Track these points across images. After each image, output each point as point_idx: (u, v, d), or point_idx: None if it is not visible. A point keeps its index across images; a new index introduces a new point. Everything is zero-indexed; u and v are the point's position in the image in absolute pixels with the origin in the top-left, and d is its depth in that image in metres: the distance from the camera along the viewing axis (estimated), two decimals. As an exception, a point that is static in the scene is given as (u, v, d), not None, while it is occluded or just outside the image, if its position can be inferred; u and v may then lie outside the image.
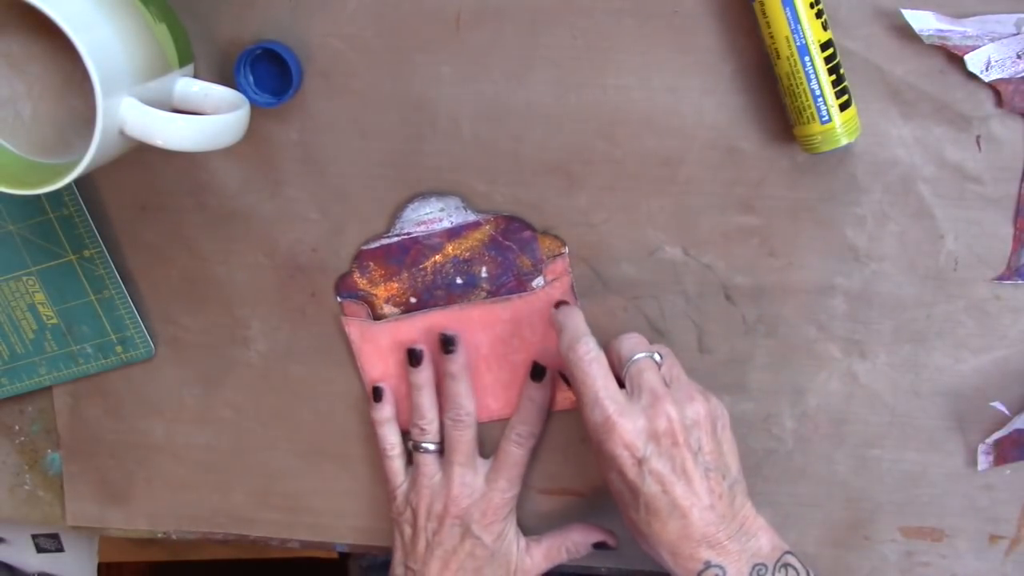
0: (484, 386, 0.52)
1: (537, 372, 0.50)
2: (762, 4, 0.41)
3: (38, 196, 0.50)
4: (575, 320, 0.46)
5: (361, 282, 0.50)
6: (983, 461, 0.50)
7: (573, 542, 0.51)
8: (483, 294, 0.50)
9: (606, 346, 0.46)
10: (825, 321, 0.49)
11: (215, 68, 0.47)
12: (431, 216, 0.48)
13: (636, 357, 0.44)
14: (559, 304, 0.49)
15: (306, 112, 0.47)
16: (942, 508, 0.51)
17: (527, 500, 0.53)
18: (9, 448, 0.57)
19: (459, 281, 0.50)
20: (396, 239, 0.49)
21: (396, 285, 0.50)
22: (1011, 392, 0.49)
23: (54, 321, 0.53)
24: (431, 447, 0.50)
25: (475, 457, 0.50)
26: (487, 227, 0.49)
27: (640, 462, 0.42)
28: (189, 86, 0.43)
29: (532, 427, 0.50)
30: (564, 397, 0.51)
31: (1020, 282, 0.47)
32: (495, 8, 0.45)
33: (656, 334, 0.50)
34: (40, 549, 0.80)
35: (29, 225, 0.51)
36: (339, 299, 0.51)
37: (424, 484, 0.50)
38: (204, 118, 0.40)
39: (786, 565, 0.44)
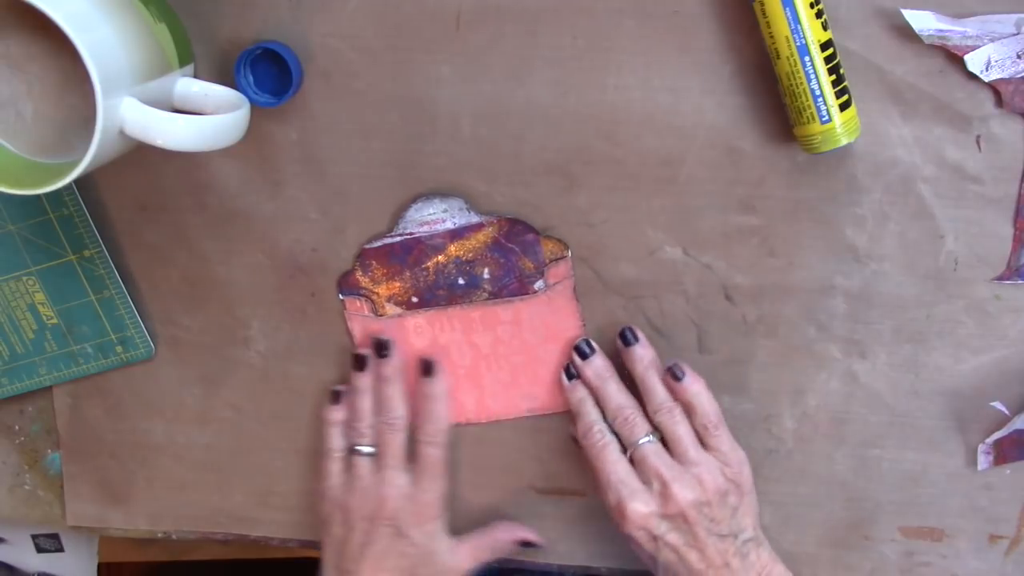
0: (483, 386, 0.52)
1: (426, 368, 0.51)
2: (762, 4, 0.41)
3: (38, 196, 0.50)
4: (587, 408, 0.49)
5: (363, 280, 0.50)
6: (983, 461, 0.50)
7: (497, 540, 0.52)
8: (485, 295, 0.50)
9: (599, 390, 0.49)
10: (825, 321, 0.49)
11: (215, 68, 0.47)
12: (434, 216, 0.48)
13: (640, 442, 0.47)
14: (570, 364, 0.50)
15: (306, 112, 0.47)
16: (942, 508, 0.51)
17: (526, 500, 0.53)
18: (9, 448, 0.57)
19: (461, 282, 0.50)
20: (399, 239, 0.49)
21: (398, 284, 0.50)
22: (1011, 392, 0.49)
23: (54, 321, 0.53)
24: (367, 449, 0.51)
25: (405, 460, 0.51)
26: (490, 229, 0.49)
27: (655, 538, 0.46)
28: (189, 86, 0.43)
29: (438, 423, 0.51)
30: (566, 399, 0.51)
31: (1020, 282, 0.47)
32: (495, 8, 0.45)
33: (656, 334, 0.50)
34: (40, 549, 0.80)
35: (29, 225, 0.51)
36: (341, 297, 0.51)
37: (357, 486, 0.50)
38: (204, 118, 0.40)
39: None
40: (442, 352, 0.51)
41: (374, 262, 0.50)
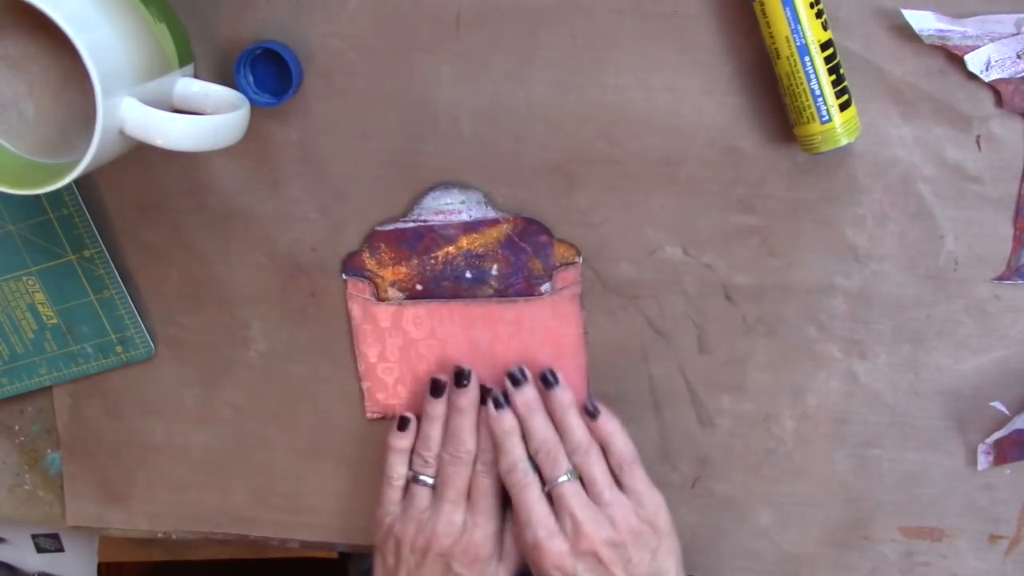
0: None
1: (496, 401, 0.49)
2: (762, 4, 0.41)
3: (38, 196, 0.50)
4: (514, 441, 0.48)
5: (369, 262, 0.50)
6: (983, 461, 0.50)
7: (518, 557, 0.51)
8: (490, 291, 0.50)
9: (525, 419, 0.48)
10: (825, 321, 0.49)
11: (215, 68, 0.47)
12: (451, 207, 0.48)
13: (559, 480, 0.47)
14: (493, 398, 0.49)
15: (306, 112, 0.47)
16: (942, 508, 0.51)
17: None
18: (9, 448, 0.57)
19: (468, 275, 0.50)
20: (411, 224, 0.49)
21: (404, 270, 0.50)
22: (1011, 392, 0.49)
23: (54, 321, 0.53)
24: (429, 480, 0.50)
25: (465, 497, 0.50)
26: (505, 226, 0.48)
27: None
28: (189, 86, 0.43)
29: (490, 452, 0.49)
30: (490, 428, 0.50)
31: (1020, 282, 0.47)
32: (495, 8, 0.45)
33: (656, 334, 0.50)
34: (40, 549, 0.80)
35: (29, 225, 0.51)
36: (344, 276, 0.50)
37: (413, 516, 0.50)
38: (204, 118, 0.40)
39: None
40: (439, 345, 0.51)
41: (383, 245, 0.50)
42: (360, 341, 0.52)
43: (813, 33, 0.41)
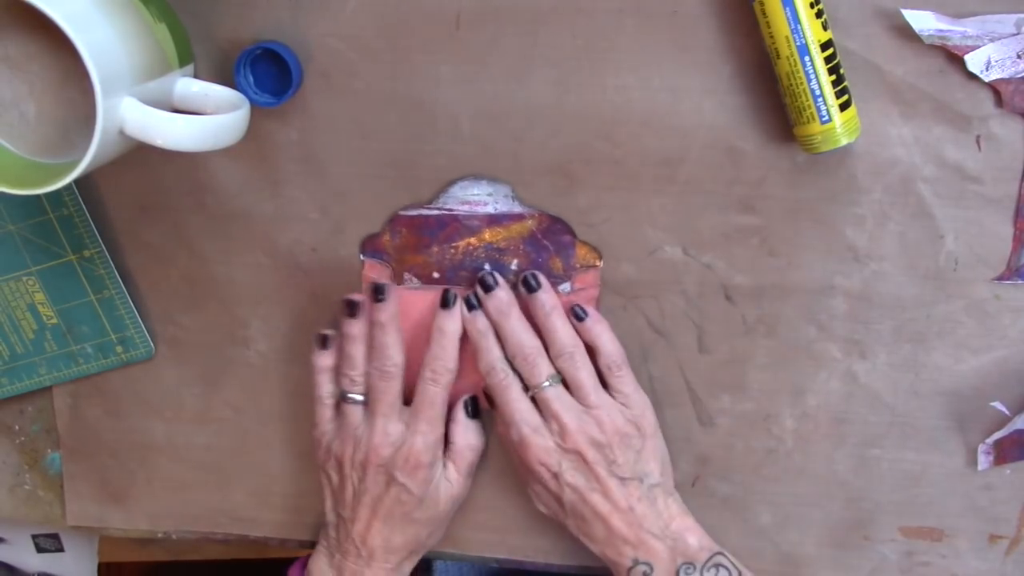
0: (479, 372, 0.51)
1: (447, 299, 0.49)
2: (762, 4, 0.41)
3: (38, 196, 0.50)
4: (488, 343, 0.48)
5: (389, 245, 0.50)
6: (983, 461, 0.50)
7: (466, 443, 0.51)
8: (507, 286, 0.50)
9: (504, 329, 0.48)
10: (825, 321, 0.49)
11: (215, 68, 0.47)
12: (477, 198, 0.48)
13: (543, 385, 0.47)
14: (445, 297, 0.49)
15: (306, 112, 0.47)
16: (942, 508, 0.51)
17: (525, 500, 0.53)
18: (9, 448, 0.57)
19: (487, 268, 0.50)
20: (436, 212, 0.49)
21: (423, 257, 0.50)
22: (1011, 392, 0.49)
23: (54, 321, 0.53)
24: (358, 398, 0.50)
25: (399, 408, 0.49)
26: (530, 222, 0.48)
27: (556, 476, 0.47)
28: (189, 86, 0.43)
29: (446, 362, 0.49)
30: (466, 330, 0.50)
31: (1020, 282, 0.47)
32: (495, 8, 0.45)
33: (656, 334, 0.50)
34: (40, 549, 0.80)
35: (29, 225, 0.51)
36: (362, 257, 0.50)
37: (348, 433, 0.50)
38: (204, 118, 0.40)
39: (717, 565, 0.47)
40: None
41: (404, 230, 0.49)
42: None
43: (813, 33, 0.41)
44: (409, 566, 0.52)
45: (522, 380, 0.48)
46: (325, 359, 0.51)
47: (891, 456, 0.51)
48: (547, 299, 0.48)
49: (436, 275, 0.50)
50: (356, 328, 0.49)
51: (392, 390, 0.49)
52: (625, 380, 0.48)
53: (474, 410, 0.51)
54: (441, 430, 0.50)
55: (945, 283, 0.47)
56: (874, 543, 0.52)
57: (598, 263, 0.49)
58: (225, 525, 0.57)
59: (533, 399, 0.48)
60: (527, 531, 0.54)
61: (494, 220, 0.48)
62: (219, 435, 0.55)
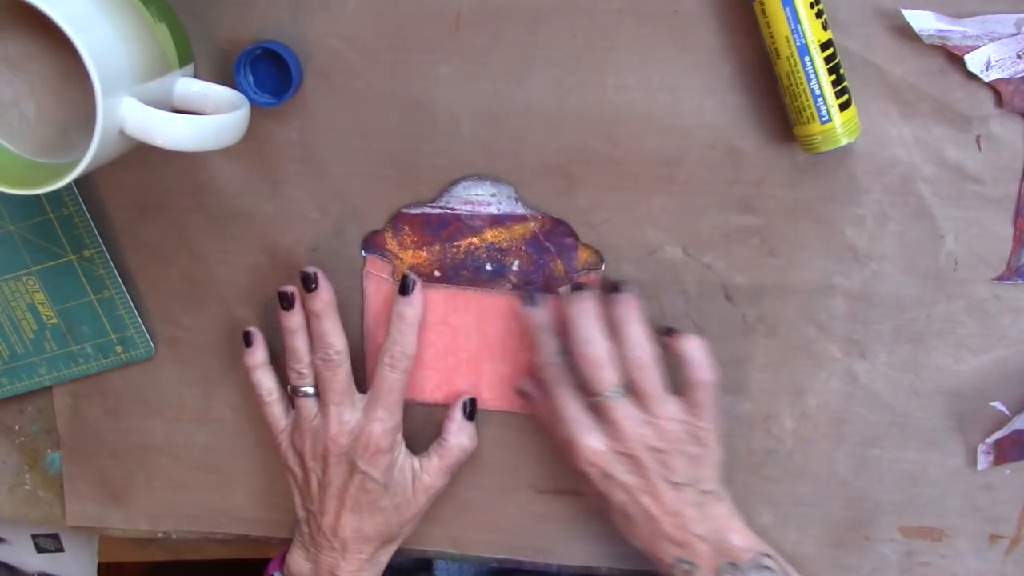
0: (481, 374, 0.51)
1: (403, 286, 0.49)
2: (762, 4, 0.41)
3: (38, 196, 0.50)
4: (547, 337, 0.47)
5: (391, 243, 0.50)
6: (983, 461, 0.50)
7: (457, 443, 0.51)
8: (508, 287, 0.50)
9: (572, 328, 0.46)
10: (825, 321, 0.49)
11: (215, 68, 0.47)
12: (480, 198, 0.48)
13: (605, 399, 0.46)
14: (526, 296, 0.48)
15: (306, 112, 0.47)
16: (942, 508, 0.51)
17: (526, 500, 0.53)
18: (9, 448, 0.57)
19: (488, 268, 0.49)
20: (438, 211, 0.49)
21: (424, 255, 0.50)
22: (1011, 392, 0.49)
23: (54, 321, 0.53)
24: (310, 390, 0.50)
25: (351, 395, 0.49)
26: (532, 224, 0.48)
27: (607, 476, 0.46)
28: (189, 86, 0.43)
29: (404, 347, 0.48)
30: (522, 324, 0.50)
31: (1020, 282, 0.47)
32: (495, 8, 0.45)
33: (656, 334, 0.50)
34: (40, 549, 0.80)
35: (29, 225, 0.51)
36: (364, 254, 0.50)
37: (304, 427, 0.49)
38: (204, 118, 0.40)
39: (761, 567, 0.46)
40: (450, 332, 0.51)
41: (407, 227, 0.49)
42: (370, 320, 0.51)
43: (813, 33, 0.41)
44: (386, 556, 0.52)
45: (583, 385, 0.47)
46: (256, 356, 0.51)
47: (891, 456, 0.51)
48: (631, 306, 0.47)
49: (437, 273, 0.50)
50: (293, 320, 0.49)
51: (339, 377, 0.49)
52: (708, 400, 0.46)
53: (471, 412, 0.51)
54: (399, 416, 0.49)
55: (945, 283, 0.47)
56: (874, 543, 0.52)
57: (600, 267, 0.49)
58: (225, 525, 0.57)
59: (591, 404, 0.46)
60: (527, 531, 0.54)
61: (496, 220, 0.48)
62: (219, 435, 0.55)
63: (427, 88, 0.46)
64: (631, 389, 0.46)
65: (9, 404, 0.56)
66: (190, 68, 0.45)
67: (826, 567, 0.53)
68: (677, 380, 0.46)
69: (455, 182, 0.48)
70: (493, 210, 0.48)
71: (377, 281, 0.50)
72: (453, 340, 0.51)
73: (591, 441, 0.46)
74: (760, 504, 0.52)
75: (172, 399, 0.55)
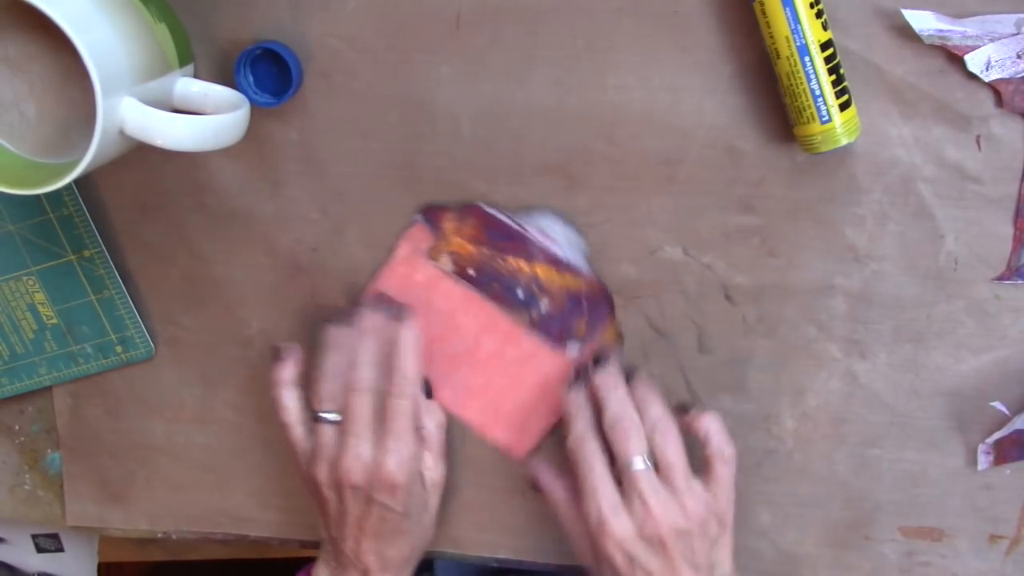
0: (453, 377, 0.51)
1: (396, 313, 0.48)
2: (762, 4, 0.41)
3: (38, 196, 0.50)
4: (585, 416, 0.47)
5: (449, 222, 0.49)
6: (983, 461, 0.50)
7: (434, 425, 0.50)
8: (526, 319, 0.50)
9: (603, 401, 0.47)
10: (825, 321, 0.49)
11: (215, 68, 0.47)
12: (554, 235, 0.48)
13: (634, 468, 0.45)
14: (579, 373, 0.48)
15: (306, 112, 0.47)
16: (942, 508, 0.51)
17: (526, 500, 0.53)
18: (9, 448, 0.57)
19: (519, 294, 0.49)
20: (511, 222, 0.49)
21: (472, 250, 0.49)
22: (1011, 392, 0.49)
23: (54, 321, 0.53)
24: (331, 417, 0.48)
25: (371, 427, 0.47)
26: (582, 281, 0.49)
27: (631, 560, 0.45)
28: (189, 86, 0.43)
29: (403, 371, 0.47)
30: (563, 405, 0.50)
31: (1020, 282, 0.47)
32: (495, 8, 0.45)
33: (656, 334, 0.50)
34: (40, 549, 0.80)
35: (29, 225, 0.51)
36: (415, 218, 0.49)
37: (322, 456, 0.48)
38: (204, 118, 0.40)
39: None
40: (449, 329, 0.51)
41: (472, 219, 0.49)
42: (382, 281, 0.50)
43: (813, 33, 0.41)
44: (410, 569, 0.51)
45: (611, 455, 0.46)
46: (285, 372, 0.49)
47: (891, 456, 0.51)
48: (652, 387, 0.48)
49: (472, 272, 0.50)
50: (340, 335, 0.48)
51: (363, 407, 0.47)
52: (728, 476, 0.47)
53: (428, 391, 0.51)
54: (411, 443, 0.48)
55: (945, 283, 0.47)
56: (874, 543, 0.52)
57: (617, 348, 0.50)
58: (225, 525, 0.57)
59: (618, 476, 0.46)
60: (527, 531, 0.54)
61: (554, 261, 0.49)
62: (219, 435, 0.55)
63: (427, 88, 0.46)
64: (657, 465, 0.46)
65: (9, 404, 0.56)
66: (190, 68, 0.45)
67: (826, 567, 0.53)
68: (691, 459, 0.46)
69: (542, 209, 0.48)
70: (558, 251, 0.49)
71: (413, 246, 0.50)
72: (447, 336, 0.51)
73: (620, 522, 0.45)
74: (760, 504, 0.52)
75: (172, 399, 0.55)
